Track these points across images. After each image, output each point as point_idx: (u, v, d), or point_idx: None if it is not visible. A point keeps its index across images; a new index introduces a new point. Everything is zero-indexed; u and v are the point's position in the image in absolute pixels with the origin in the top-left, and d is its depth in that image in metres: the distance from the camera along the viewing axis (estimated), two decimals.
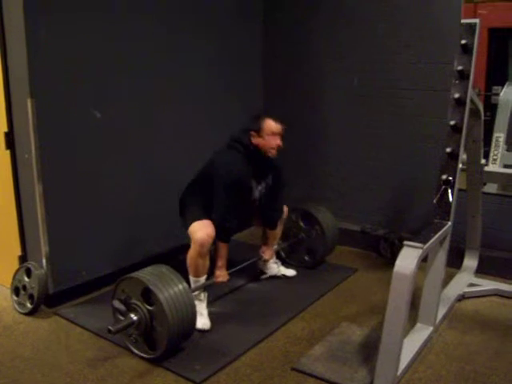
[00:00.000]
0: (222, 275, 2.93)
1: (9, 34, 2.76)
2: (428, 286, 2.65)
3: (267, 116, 2.92)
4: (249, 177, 2.91)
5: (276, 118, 2.91)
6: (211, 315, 2.82)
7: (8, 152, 2.93)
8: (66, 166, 2.95)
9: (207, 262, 2.82)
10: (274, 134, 2.87)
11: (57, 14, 2.77)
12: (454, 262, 3.36)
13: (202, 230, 2.74)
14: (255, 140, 2.89)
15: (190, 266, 2.78)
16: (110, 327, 2.36)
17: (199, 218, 2.83)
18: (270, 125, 2.87)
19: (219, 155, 2.93)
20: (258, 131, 2.87)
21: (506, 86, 3.69)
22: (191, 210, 2.91)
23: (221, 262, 2.91)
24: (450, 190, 2.51)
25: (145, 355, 2.46)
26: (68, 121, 2.92)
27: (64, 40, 2.83)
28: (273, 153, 2.91)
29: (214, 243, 2.85)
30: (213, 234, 2.77)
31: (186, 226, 2.87)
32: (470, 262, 3.45)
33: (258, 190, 3.01)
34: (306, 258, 3.63)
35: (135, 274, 2.44)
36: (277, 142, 2.88)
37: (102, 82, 3.07)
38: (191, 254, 2.76)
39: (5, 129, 2.90)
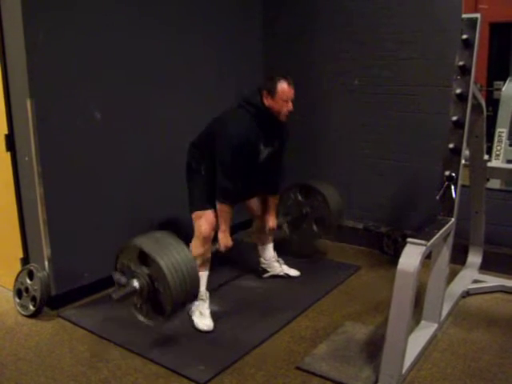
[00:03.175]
0: (225, 237, 2.84)
1: (7, 33, 2.76)
2: (432, 283, 2.64)
3: (282, 77, 2.75)
4: (257, 139, 2.81)
5: (290, 81, 2.76)
6: (214, 315, 2.81)
7: (8, 154, 2.92)
8: (67, 167, 2.94)
9: (209, 255, 2.83)
10: (287, 98, 2.75)
11: (55, 13, 2.77)
12: (458, 258, 3.34)
13: (207, 225, 2.78)
14: (267, 101, 2.76)
15: (194, 256, 2.77)
16: (112, 294, 2.31)
17: (203, 207, 2.82)
18: (284, 89, 2.72)
19: (228, 114, 2.84)
20: (271, 92, 2.73)
21: (507, 81, 3.67)
22: (197, 189, 2.87)
23: (224, 226, 2.81)
24: (453, 186, 2.49)
25: (154, 322, 2.41)
26: (68, 122, 2.91)
27: (63, 39, 2.82)
28: (283, 117, 2.82)
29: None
30: (214, 224, 2.82)
31: (191, 208, 2.86)
32: (474, 258, 3.44)
33: (264, 154, 2.91)
34: (315, 228, 3.59)
35: (128, 242, 2.40)
36: (289, 107, 2.77)
37: (102, 82, 3.06)
38: (195, 243, 2.81)
39: (5, 131, 2.90)
